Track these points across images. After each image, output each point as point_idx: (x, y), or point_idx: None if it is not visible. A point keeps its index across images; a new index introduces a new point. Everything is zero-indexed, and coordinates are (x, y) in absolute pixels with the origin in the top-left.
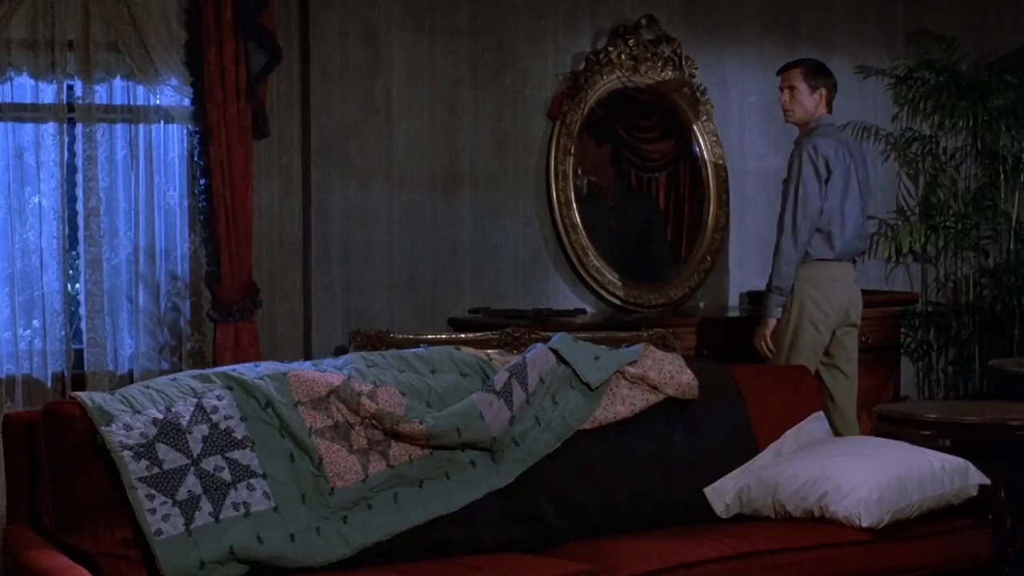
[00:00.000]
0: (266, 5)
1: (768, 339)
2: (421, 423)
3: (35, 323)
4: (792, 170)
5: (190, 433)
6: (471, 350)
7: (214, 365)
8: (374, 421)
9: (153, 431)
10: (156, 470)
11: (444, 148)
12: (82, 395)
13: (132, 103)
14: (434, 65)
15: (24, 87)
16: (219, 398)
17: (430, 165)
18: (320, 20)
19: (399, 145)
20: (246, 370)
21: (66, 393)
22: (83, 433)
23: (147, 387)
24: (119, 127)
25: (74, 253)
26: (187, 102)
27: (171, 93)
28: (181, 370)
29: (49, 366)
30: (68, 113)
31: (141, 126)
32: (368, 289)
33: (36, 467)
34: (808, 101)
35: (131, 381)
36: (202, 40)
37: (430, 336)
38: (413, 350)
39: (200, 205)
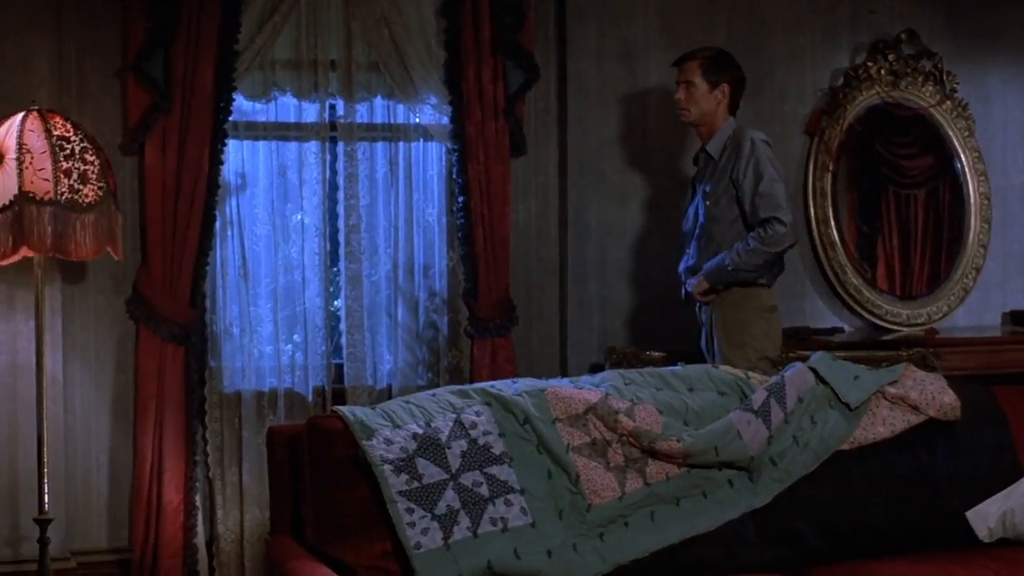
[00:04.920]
0: (523, 24)
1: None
2: (679, 441)
3: (296, 338)
4: (758, 160)
5: (449, 448)
6: (729, 368)
7: (471, 381)
8: (631, 439)
9: (413, 446)
10: (416, 484)
11: None
12: (343, 409)
13: (392, 122)
14: None
15: (288, 106)
16: (478, 414)
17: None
18: (577, 39)
19: (655, 163)
20: (504, 386)
21: (327, 407)
22: (344, 447)
23: (407, 402)
24: (379, 145)
25: (335, 269)
26: (446, 120)
27: (430, 112)
28: (438, 385)
29: (310, 380)
30: (330, 132)
31: (401, 144)
32: (624, 306)
33: (299, 479)
34: (706, 100)
35: (389, 396)
36: (461, 59)
37: None
38: (670, 368)
39: (458, 222)
